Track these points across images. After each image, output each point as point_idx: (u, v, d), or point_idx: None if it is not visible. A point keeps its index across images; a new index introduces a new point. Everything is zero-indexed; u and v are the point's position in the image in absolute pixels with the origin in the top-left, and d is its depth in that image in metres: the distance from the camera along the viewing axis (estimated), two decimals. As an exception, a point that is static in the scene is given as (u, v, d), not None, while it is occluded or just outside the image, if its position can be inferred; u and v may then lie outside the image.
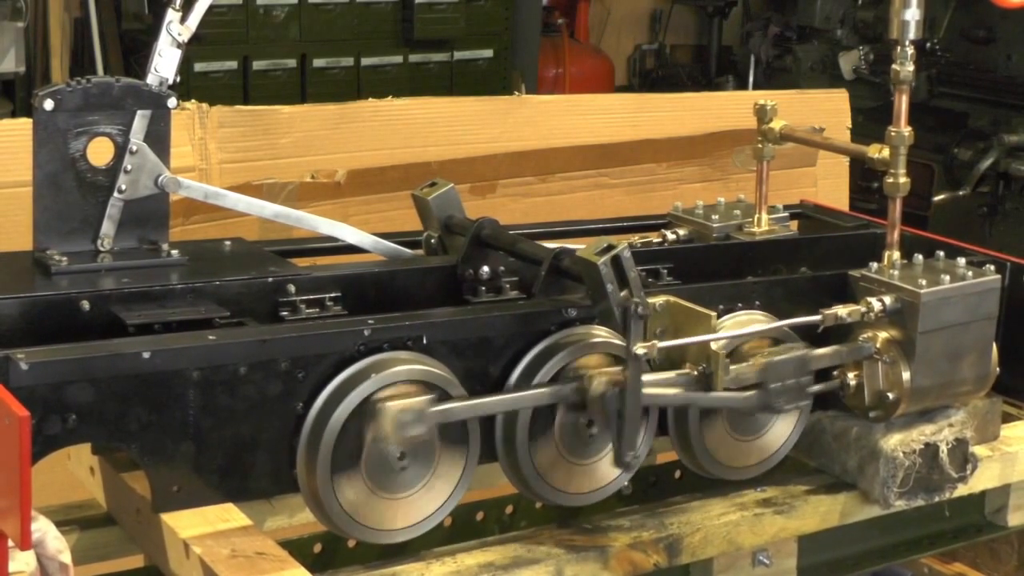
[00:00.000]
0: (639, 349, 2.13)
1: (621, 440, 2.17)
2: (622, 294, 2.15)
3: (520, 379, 2.24)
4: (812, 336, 2.45)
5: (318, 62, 6.61)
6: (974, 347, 2.51)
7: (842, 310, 2.41)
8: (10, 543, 1.89)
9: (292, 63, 6.56)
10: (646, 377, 2.18)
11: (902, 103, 2.51)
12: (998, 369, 2.59)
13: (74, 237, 2.33)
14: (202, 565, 2.00)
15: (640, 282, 2.17)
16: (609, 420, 2.19)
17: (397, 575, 2.17)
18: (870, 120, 5.68)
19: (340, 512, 2.11)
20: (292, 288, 2.31)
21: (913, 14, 2.48)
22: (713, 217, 2.84)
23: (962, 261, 2.56)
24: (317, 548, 2.41)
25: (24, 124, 2.71)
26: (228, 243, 2.51)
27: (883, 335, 2.45)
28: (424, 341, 2.19)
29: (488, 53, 7.08)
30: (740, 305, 2.46)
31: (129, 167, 2.34)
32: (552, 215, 3.56)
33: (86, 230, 2.33)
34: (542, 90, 7.61)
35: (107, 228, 2.34)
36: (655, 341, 2.16)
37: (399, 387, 2.11)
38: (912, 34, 2.49)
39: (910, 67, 2.50)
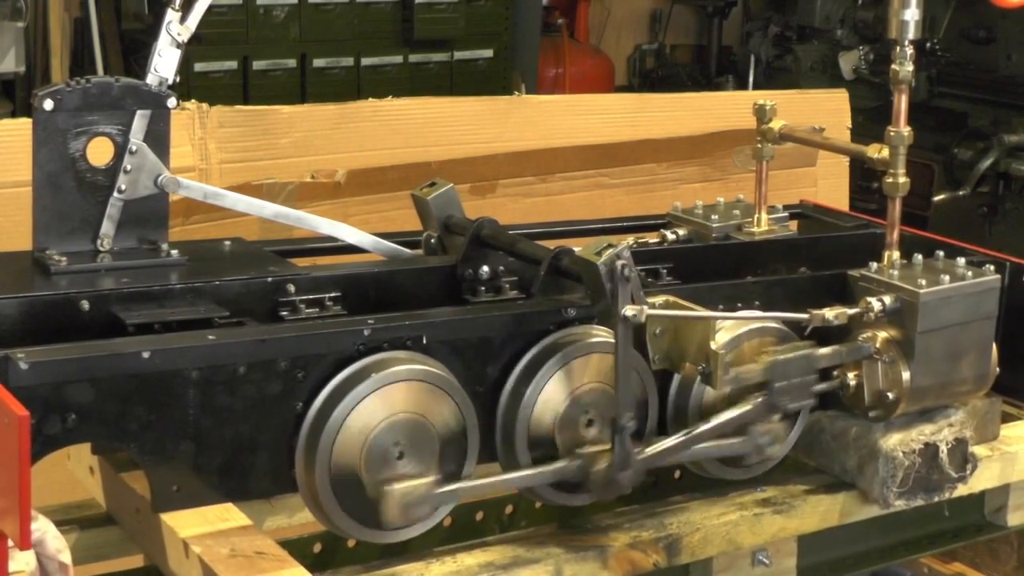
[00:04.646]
0: (628, 311, 2.12)
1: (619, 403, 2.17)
2: (607, 252, 2.14)
3: (519, 379, 2.24)
4: (811, 336, 2.45)
5: (318, 62, 6.61)
6: (974, 347, 2.51)
7: (829, 313, 2.40)
8: (10, 543, 1.89)
9: (292, 63, 6.56)
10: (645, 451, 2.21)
11: (901, 103, 2.51)
12: (998, 369, 2.59)
13: (74, 237, 2.33)
14: (201, 565, 2.00)
15: (639, 281, 2.17)
16: (608, 492, 2.23)
17: (397, 575, 2.17)
18: (870, 120, 5.69)
19: (339, 512, 2.11)
20: (292, 288, 2.31)
21: (912, 14, 2.48)
22: (712, 217, 2.84)
23: (961, 261, 2.56)
24: (317, 548, 2.42)
25: (24, 124, 2.71)
26: (228, 243, 2.51)
27: (882, 335, 2.45)
28: (424, 341, 2.19)
29: (488, 53, 7.08)
30: (740, 305, 2.46)
31: (129, 167, 2.34)
32: (552, 215, 3.56)
33: (86, 230, 2.34)
34: (542, 90, 7.61)
35: (107, 228, 2.34)
36: (643, 306, 2.15)
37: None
38: (911, 34, 2.49)
39: (909, 67, 2.50)
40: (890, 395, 2.45)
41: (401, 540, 2.21)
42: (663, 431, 2.40)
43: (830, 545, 2.56)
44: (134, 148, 2.34)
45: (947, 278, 2.47)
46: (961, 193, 6.93)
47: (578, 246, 2.28)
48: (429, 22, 6.82)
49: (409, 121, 3.69)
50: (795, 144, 2.91)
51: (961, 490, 2.55)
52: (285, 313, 2.29)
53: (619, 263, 2.15)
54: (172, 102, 2.36)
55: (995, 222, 6.89)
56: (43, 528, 1.97)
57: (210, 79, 6.30)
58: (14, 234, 2.83)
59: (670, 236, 2.83)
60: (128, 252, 2.35)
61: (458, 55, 6.98)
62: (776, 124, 2.85)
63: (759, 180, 2.86)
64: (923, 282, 2.44)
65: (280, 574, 1.99)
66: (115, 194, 2.34)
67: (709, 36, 9.04)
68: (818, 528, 2.48)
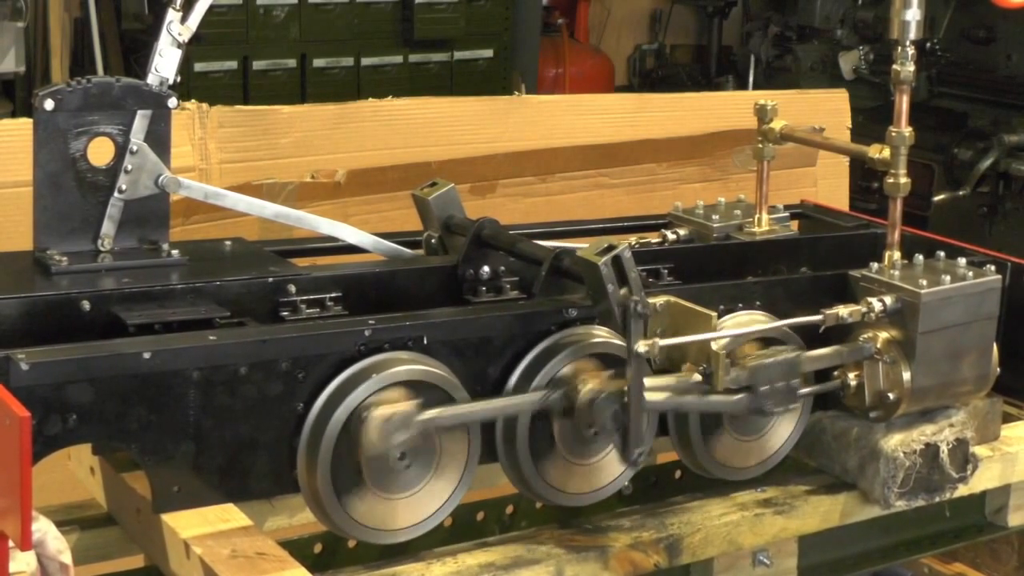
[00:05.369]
0: (641, 347, 2.13)
1: (627, 438, 2.17)
2: (622, 293, 2.15)
3: (520, 379, 2.24)
4: (813, 336, 2.44)
5: (318, 62, 6.61)
6: (974, 347, 2.51)
7: (843, 310, 2.41)
8: (10, 543, 1.89)
9: (292, 63, 6.56)
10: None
11: (902, 103, 2.51)
12: (998, 369, 2.59)
13: (74, 237, 2.33)
14: (202, 565, 2.00)
15: (640, 282, 2.17)
16: (602, 427, 2.19)
17: (397, 575, 2.17)
18: (870, 120, 5.68)
19: (341, 512, 2.11)
20: (292, 288, 2.31)
21: (914, 14, 2.48)
22: (713, 217, 2.84)
23: (962, 261, 2.56)
24: (317, 548, 2.41)
25: (24, 124, 2.71)
26: (228, 243, 2.51)
27: (883, 335, 2.45)
28: (424, 341, 2.19)
29: (488, 53, 7.07)
30: (740, 305, 2.46)
31: (129, 167, 2.34)
32: (552, 215, 3.56)
33: (86, 230, 2.33)
34: (542, 90, 7.60)
35: (107, 228, 2.34)
36: (656, 339, 2.16)
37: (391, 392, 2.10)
38: (913, 34, 2.49)
39: (911, 67, 2.50)
40: (891, 395, 2.45)
41: (402, 541, 2.21)
42: (664, 432, 2.41)
43: (831, 546, 2.56)
44: (135, 148, 2.34)
45: (948, 278, 2.47)
46: (961, 193, 6.93)
47: (578, 246, 2.28)
48: (429, 22, 6.82)
49: (409, 121, 3.68)
50: (795, 144, 2.91)
51: (962, 490, 2.55)
52: (286, 313, 2.29)
53: (620, 263, 2.15)
54: (173, 102, 2.36)
55: (995, 222, 6.89)
56: (44, 528, 1.97)
57: (210, 79, 6.30)
58: (14, 234, 2.83)
59: (671, 236, 2.83)
60: (129, 252, 2.35)
61: (458, 55, 6.98)
62: (777, 124, 2.85)
63: (760, 180, 2.86)
64: (924, 282, 2.44)
65: (281, 575, 1.98)
66: (116, 194, 2.34)
67: (709, 36, 9.04)
68: (819, 528, 2.48)
